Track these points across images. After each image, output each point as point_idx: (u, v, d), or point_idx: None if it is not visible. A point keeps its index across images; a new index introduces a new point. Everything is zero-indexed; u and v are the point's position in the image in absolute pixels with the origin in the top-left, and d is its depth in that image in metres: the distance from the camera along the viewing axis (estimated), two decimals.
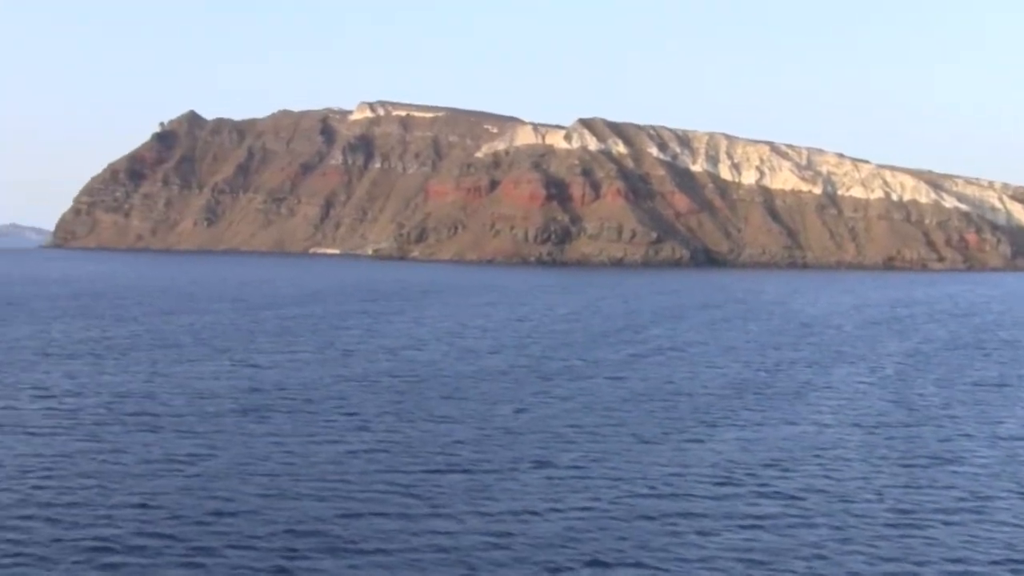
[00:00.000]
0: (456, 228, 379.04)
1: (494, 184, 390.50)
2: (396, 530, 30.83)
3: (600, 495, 35.27)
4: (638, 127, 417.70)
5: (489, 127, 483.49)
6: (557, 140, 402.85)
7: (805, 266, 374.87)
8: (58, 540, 29.19)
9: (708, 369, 70.36)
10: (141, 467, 37.41)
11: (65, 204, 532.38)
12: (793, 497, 35.94)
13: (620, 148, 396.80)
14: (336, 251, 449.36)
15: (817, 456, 42.77)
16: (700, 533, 31.49)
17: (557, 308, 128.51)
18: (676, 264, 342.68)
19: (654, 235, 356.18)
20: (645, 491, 36.04)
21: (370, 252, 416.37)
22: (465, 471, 38.21)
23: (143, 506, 32.54)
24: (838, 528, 32.41)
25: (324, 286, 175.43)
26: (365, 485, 35.72)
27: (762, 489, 36.93)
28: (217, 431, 44.29)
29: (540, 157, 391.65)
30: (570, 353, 77.75)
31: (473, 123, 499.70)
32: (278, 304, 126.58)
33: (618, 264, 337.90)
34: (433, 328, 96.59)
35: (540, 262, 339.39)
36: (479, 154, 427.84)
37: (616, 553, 29.36)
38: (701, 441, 45.27)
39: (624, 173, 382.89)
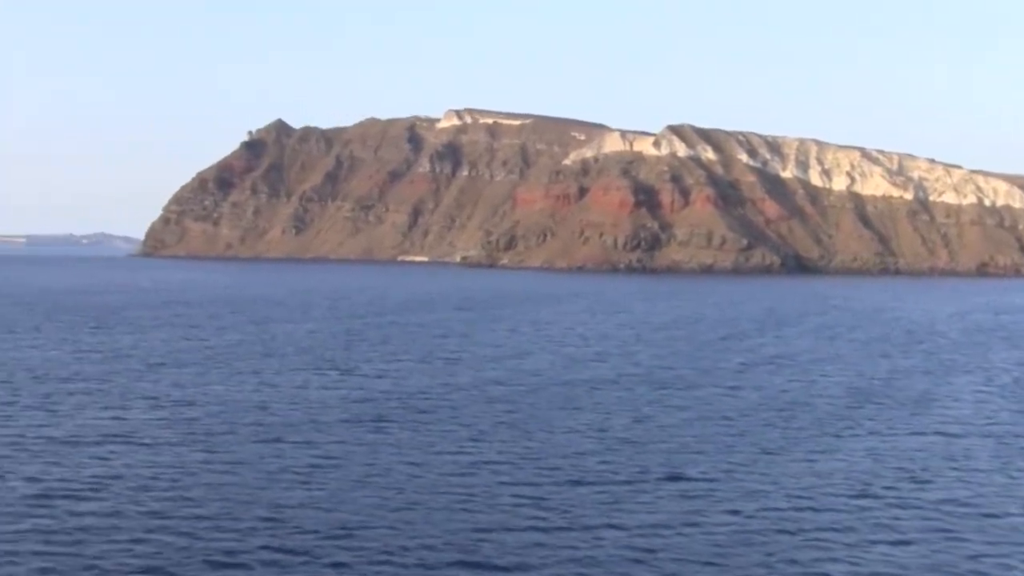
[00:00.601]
0: (545, 235, 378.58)
1: (583, 191, 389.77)
2: (532, 544, 29.76)
3: (737, 508, 33.99)
4: (727, 133, 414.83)
5: (576, 134, 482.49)
6: (646, 147, 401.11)
7: (897, 272, 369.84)
8: (188, 555, 28.46)
9: (822, 378, 68.63)
10: (262, 479, 36.68)
11: (154, 213, 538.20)
12: (936, 510, 34.47)
13: (709, 154, 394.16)
14: (424, 259, 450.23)
15: (952, 468, 41.17)
16: (848, 547, 30.16)
17: (655, 316, 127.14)
18: (766, 271, 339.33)
19: (744, 242, 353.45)
20: (783, 504, 34.70)
21: (458, 260, 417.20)
22: (593, 483, 37.07)
23: (270, 520, 31.73)
24: (992, 543, 30.93)
25: (417, 294, 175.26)
26: (492, 498, 34.71)
27: (902, 502, 35.46)
28: (335, 442, 43.50)
29: (629, 164, 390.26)
30: (678, 362, 76.39)
31: (560, 130, 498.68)
32: (374, 312, 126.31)
33: (708, 271, 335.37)
34: (534, 336, 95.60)
35: (629, 269, 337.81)
36: (567, 161, 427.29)
37: (764, 570, 28.11)
38: (828, 452, 43.78)
39: (713, 179, 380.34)
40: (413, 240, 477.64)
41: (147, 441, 43.04)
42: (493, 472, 38.37)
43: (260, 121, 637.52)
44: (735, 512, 33.53)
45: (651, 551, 29.44)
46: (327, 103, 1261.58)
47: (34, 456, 39.68)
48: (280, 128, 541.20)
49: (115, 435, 44.14)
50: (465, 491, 35.49)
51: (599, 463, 40.32)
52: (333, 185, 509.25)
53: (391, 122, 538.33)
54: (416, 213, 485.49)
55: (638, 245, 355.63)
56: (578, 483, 37.05)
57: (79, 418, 48.19)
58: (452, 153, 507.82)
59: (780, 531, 31.65)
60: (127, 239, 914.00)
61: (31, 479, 35.91)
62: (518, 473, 38.31)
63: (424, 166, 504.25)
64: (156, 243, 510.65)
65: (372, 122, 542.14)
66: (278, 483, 36.20)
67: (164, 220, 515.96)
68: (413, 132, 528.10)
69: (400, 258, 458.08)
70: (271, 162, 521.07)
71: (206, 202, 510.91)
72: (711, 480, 37.84)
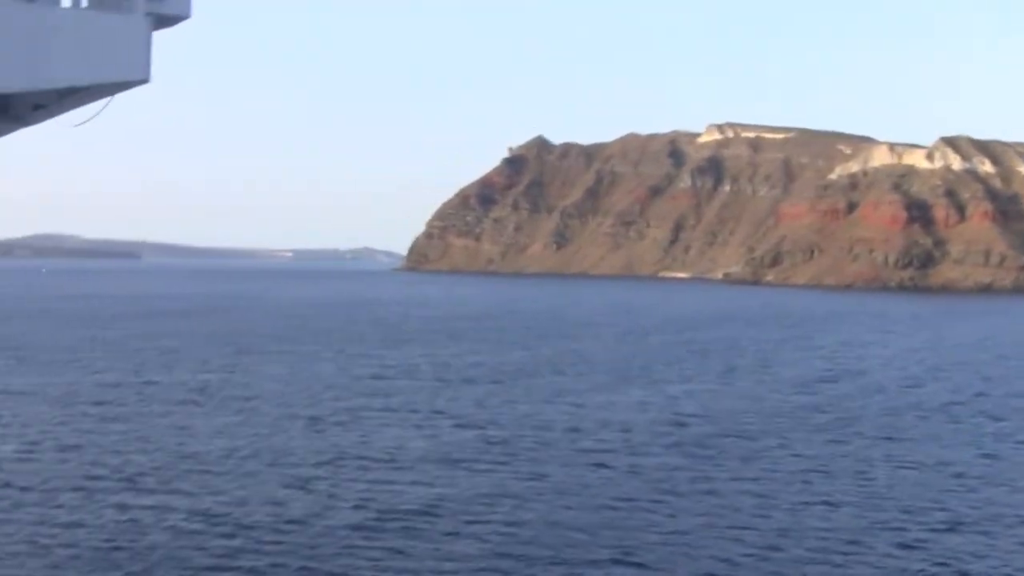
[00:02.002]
0: (812, 252, 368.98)
1: (851, 206, 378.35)
2: None
3: None
4: (1005, 144, 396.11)
5: (842, 147, 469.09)
6: (917, 160, 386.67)
7: None
8: None
9: None
10: (599, 511, 33.80)
11: (416, 228, 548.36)
12: None
13: (987, 167, 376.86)
14: (685, 275, 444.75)
15: None
16: None
17: (947, 337, 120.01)
18: None
19: None
20: None
21: (720, 276, 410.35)
22: (967, 525, 32.94)
23: (626, 563, 28.75)
24: None
25: (690, 311, 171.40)
26: (861, 544, 30.95)
27: None
28: (662, 470, 40.34)
29: (900, 178, 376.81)
30: (997, 388, 70.59)
31: (824, 143, 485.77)
32: (652, 330, 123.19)
33: (986, 290, 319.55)
34: (829, 358, 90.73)
35: (901, 287, 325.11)
36: (833, 175, 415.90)
37: None
38: None
39: (992, 193, 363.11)
40: (674, 256, 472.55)
41: (464, 464, 40.75)
42: (853, 512, 34.57)
43: (521, 137, 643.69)
44: None
45: None
46: (587, 119, 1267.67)
47: (355, 477, 37.77)
48: (540, 144, 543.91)
49: (430, 457, 42.04)
50: (828, 534, 31.86)
51: (963, 504, 36.08)
52: (594, 201, 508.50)
53: (652, 137, 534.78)
54: (677, 228, 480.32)
55: (910, 263, 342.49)
56: (951, 529, 32.96)
57: (388, 437, 46.40)
58: (713, 168, 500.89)
59: None
60: (389, 253, 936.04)
61: (359, 505, 33.86)
62: (879, 514, 34.44)
63: (685, 181, 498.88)
64: (419, 258, 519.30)
65: (632, 137, 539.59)
66: (617, 516, 33.27)
67: (427, 235, 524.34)
68: (674, 147, 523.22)
69: (661, 274, 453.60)
70: (532, 178, 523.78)
71: (468, 218, 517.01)
72: None
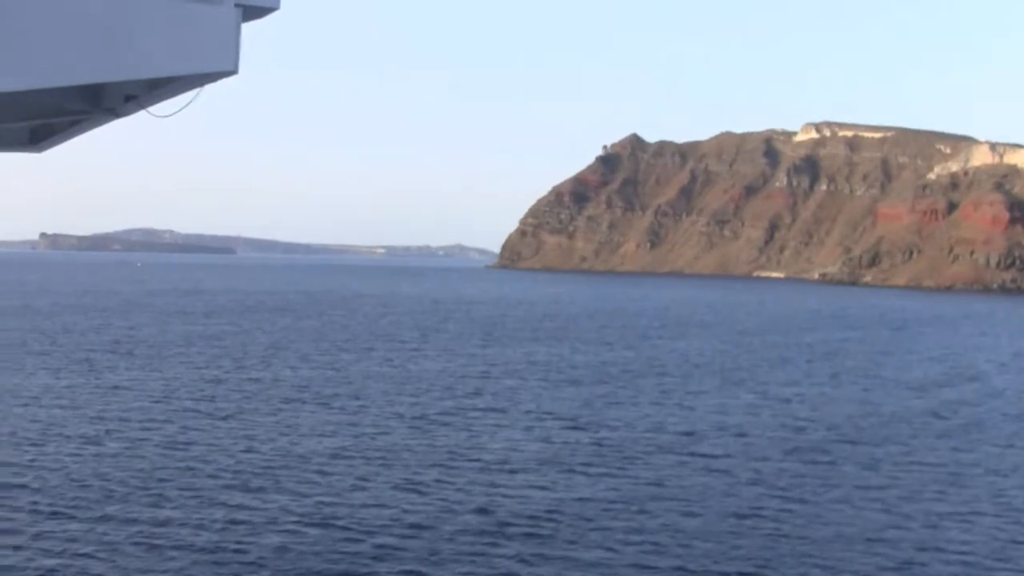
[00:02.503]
0: (911, 253, 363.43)
1: (952, 206, 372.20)
2: None
3: None
4: None
5: (941, 147, 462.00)
6: (1020, 159, 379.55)
7: None
8: None
9: None
10: (726, 522, 32.27)
11: (508, 226, 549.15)
12: None
13: None
14: (780, 275, 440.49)
15: None
16: None
17: None
18: None
19: None
20: None
21: (816, 276, 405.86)
22: None
23: None
24: None
25: (790, 312, 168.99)
26: (1015, 562, 29.23)
27: None
28: (785, 477, 38.70)
29: (1002, 178, 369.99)
30: None
31: (923, 143, 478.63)
32: (755, 331, 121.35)
33: None
34: (941, 361, 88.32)
35: (1003, 289, 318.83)
36: (932, 175, 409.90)
37: None
38: None
39: None
40: (769, 255, 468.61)
41: (579, 467, 39.42)
42: (992, 525, 32.78)
43: (615, 135, 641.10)
44: None
45: None
46: (682, 117, 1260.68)
47: (470, 480, 36.63)
48: (635, 142, 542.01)
49: (544, 459, 40.78)
50: (968, 547, 30.13)
51: None
52: (688, 199, 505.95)
53: (747, 136, 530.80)
54: (772, 228, 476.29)
55: (1012, 263, 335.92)
56: None
57: (498, 438, 45.24)
58: (810, 167, 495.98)
59: None
60: (481, 251, 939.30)
61: (479, 509, 32.70)
62: (1021, 528, 32.61)
63: (781, 180, 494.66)
64: (512, 255, 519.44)
65: (727, 136, 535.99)
66: (744, 525, 31.79)
67: (520, 232, 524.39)
68: (769, 146, 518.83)
69: (755, 274, 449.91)
70: (626, 176, 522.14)
71: (562, 215, 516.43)
72: None
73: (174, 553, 27.66)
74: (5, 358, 71.43)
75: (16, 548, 27.72)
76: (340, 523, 30.84)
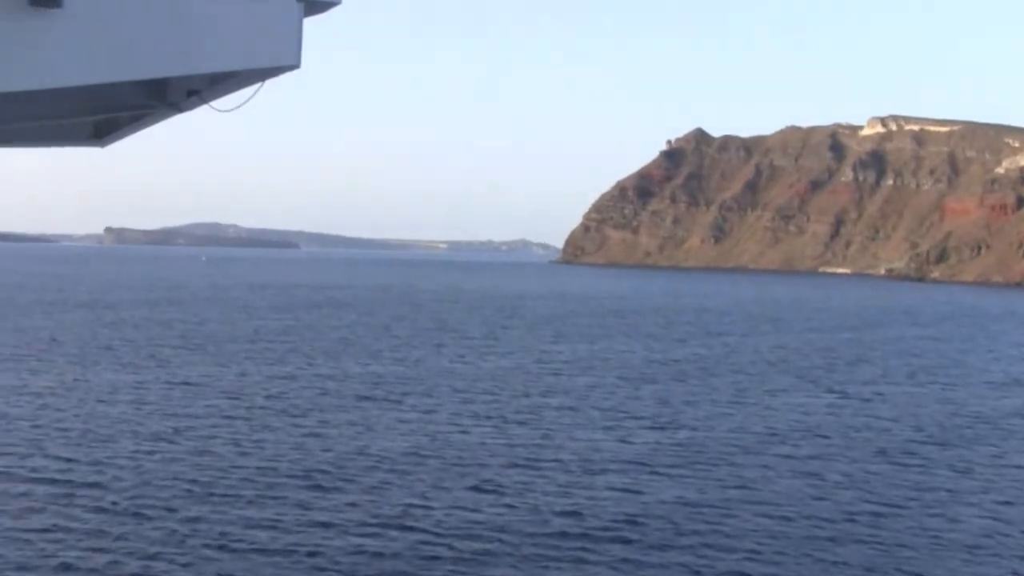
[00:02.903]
0: (979, 248, 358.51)
1: (1021, 201, 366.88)
2: None
3: None
4: None
5: (1009, 140, 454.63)
6: None
7: None
8: None
9: None
10: (825, 528, 30.93)
11: (572, 221, 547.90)
12: None
13: None
14: (846, 270, 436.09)
15: None
16: None
17: None
18: None
19: None
20: None
21: (882, 272, 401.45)
22: None
23: None
24: None
25: (860, 308, 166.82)
26: None
27: None
28: (882, 482, 37.26)
29: None
30: None
31: (992, 136, 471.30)
32: (826, 327, 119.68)
33: None
34: (1021, 360, 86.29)
35: None
36: (1000, 169, 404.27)
37: None
38: None
39: None
40: (835, 251, 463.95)
41: (662, 469, 38.31)
42: None
43: (679, 130, 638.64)
44: None
45: None
46: (746, 111, 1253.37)
47: (550, 481, 35.63)
48: (699, 136, 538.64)
49: (624, 460, 39.74)
50: None
51: None
52: (753, 194, 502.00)
53: (812, 130, 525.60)
54: (838, 223, 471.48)
55: None
56: None
57: (576, 437, 44.18)
58: (876, 161, 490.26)
59: None
60: (545, 246, 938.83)
61: (566, 513, 31.69)
62: None
63: (846, 175, 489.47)
64: (576, 250, 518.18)
65: (792, 130, 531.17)
66: (841, 531, 30.53)
67: (584, 227, 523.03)
68: (835, 140, 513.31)
69: (821, 269, 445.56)
70: (690, 171, 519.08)
71: (626, 210, 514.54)
72: None
73: (251, 555, 26.94)
74: (76, 353, 71.34)
75: (100, 550, 27.09)
76: (419, 525, 29.98)
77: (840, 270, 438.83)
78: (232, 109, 15.72)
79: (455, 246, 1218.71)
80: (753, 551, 28.44)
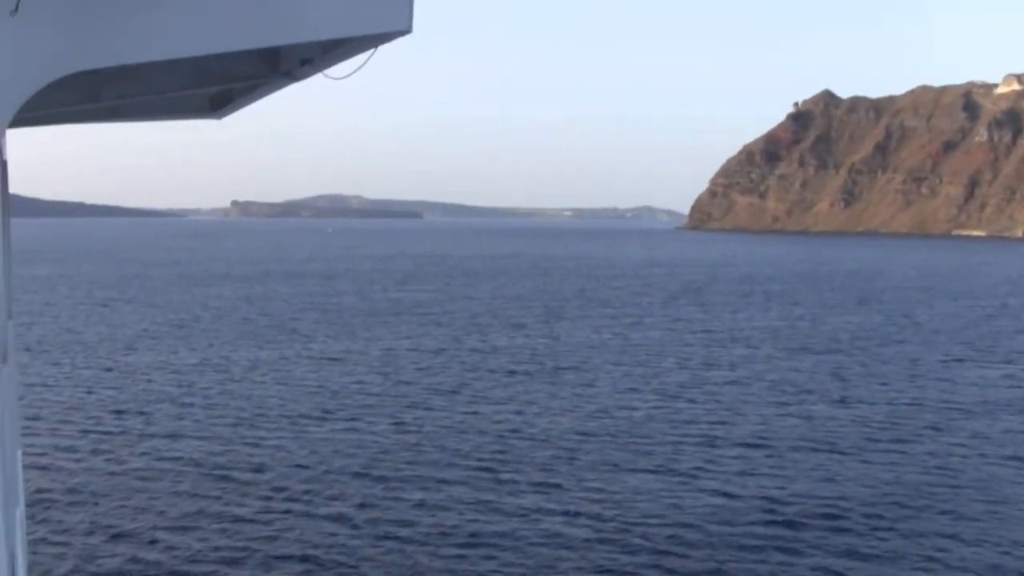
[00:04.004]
0: None
1: None
2: None
3: None
4: None
5: None
6: None
7: None
8: None
9: None
10: None
11: (695, 187, 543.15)
12: None
13: None
14: (981, 233, 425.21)
15: None
16: None
17: None
18: None
19: None
20: None
21: (1020, 234, 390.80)
22: None
23: None
24: None
25: (1011, 273, 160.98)
26: None
27: None
28: None
29: None
30: None
31: None
32: (977, 293, 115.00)
33: None
34: None
35: None
36: None
37: None
38: None
39: None
40: (969, 213, 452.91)
41: (850, 450, 35.34)
42: None
43: (807, 92, 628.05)
44: None
45: None
46: (876, 71, 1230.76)
47: (732, 465, 32.95)
48: (827, 98, 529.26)
49: (809, 439, 36.90)
50: None
51: None
52: (883, 156, 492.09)
53: (944, 89, 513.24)
54: (972, 185, 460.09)
55: None
56: None
57: (750, 416, 41.29)
58: (1012, 120, 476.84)
59: None
60: (669, 212, 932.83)
61: (760, 498, 29.03)
62: None
63: (981, 135, 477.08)
64: (702, 216, 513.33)
65: (924, 90, 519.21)
66: None
67: (710, 193, 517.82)
68: (968, 99, 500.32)
69: (955, 232, 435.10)
70: (818, 133, 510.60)
71: (753, 175, 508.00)
72: None
73: (427, 541, 24.86)
74: (217, 329, 70.28)
75: (268, 539, 25.21)
76: (603, 512, 27.61)
77: (975, 233, 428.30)
78: (345, 76, 14.68)
79: (579, 213, 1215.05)
80: (970, 540, 25.58)
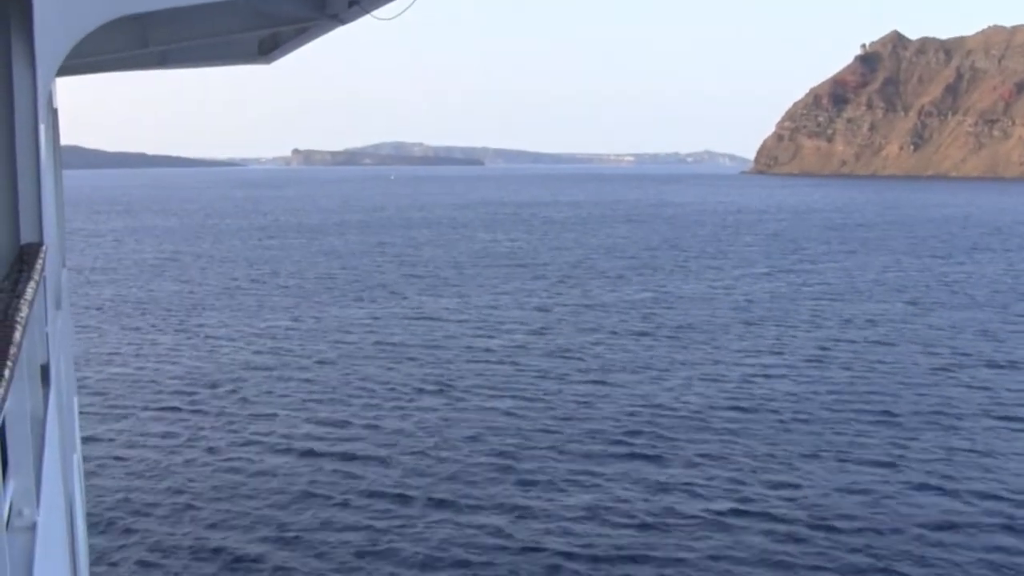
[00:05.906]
0: None
1: None
2: None
3: None
4: None
5: None
6: None
7: None
8: None
9: None
10: None
11: (759, 131, 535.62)
12: None
13: None
14: None
15: None
16: None
17: None
18: None
19: None
20: None
21: None
22: None
23: None
24: None
25: None
26: None
27: None
28: None
29: None
30: None
31: None
32: None
33: None
34: None
35: None
36: None
37: None
38: None
39: None
40: None
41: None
42: None
43: (874, 33, 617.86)
44: None
45: None
46: (946, 11, 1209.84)
47: (921, 442, 28.41)
48: (896, 40, 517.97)
49: (1003, 415, 32.21)
50: None
51: None
52: (953, 99, 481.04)
53: (1017, 29, 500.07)
54: None
55: None
56: None
57: (914, 384, 36.54)
58: None
59: None
60: (732, 156, 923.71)
61: (974, 493, 24.46)
62: None
63: None
64: (769, 160, 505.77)
65: (996, 30, 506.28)
66: None
67: (777, 137, 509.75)
68: None
69: None
70: (887, 76, 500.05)
71: (820, 118, 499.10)
72: None
73: (589, 522, 20.53)
74: (300, 286, 66.24)
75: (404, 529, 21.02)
76: (785, 501, 23.28)
77: None
78: (393, 17, 15.97)
79: (641, 159, 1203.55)
80: None
